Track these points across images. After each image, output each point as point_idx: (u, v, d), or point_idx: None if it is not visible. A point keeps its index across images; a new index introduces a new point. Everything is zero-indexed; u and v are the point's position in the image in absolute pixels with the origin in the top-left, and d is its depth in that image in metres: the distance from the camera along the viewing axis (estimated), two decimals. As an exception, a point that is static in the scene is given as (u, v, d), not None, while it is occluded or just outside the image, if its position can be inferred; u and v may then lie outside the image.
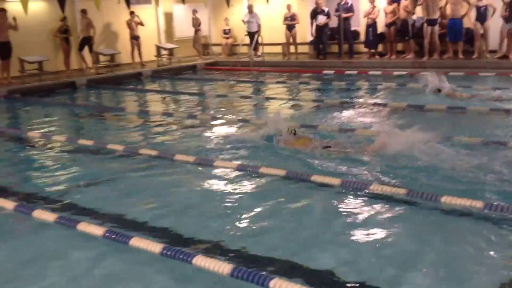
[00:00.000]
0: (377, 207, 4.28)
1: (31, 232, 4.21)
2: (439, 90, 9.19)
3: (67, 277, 3.46)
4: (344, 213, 4.23)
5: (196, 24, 17.24)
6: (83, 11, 14.47)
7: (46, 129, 8.16)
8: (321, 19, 15.29)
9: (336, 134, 6.66)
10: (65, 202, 4.80)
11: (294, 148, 5.84)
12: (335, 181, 4.77)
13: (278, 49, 17.19)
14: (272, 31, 16.93)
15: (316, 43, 16.09)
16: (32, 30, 14.07)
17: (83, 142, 7.02)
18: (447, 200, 4.16)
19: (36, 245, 3.97)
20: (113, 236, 3.82)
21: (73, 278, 3.44)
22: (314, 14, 15.45)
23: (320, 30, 15.44)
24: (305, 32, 16.84)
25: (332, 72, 13.60)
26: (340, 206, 4.38)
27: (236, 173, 5.33)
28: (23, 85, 12.43)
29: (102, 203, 4.71)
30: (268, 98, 10.57)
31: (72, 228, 4.04)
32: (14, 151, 7.23)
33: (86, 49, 14.66)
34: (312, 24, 15.64)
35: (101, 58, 15.12)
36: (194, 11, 17.19)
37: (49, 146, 7.15)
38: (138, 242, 3.69)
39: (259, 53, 16.73)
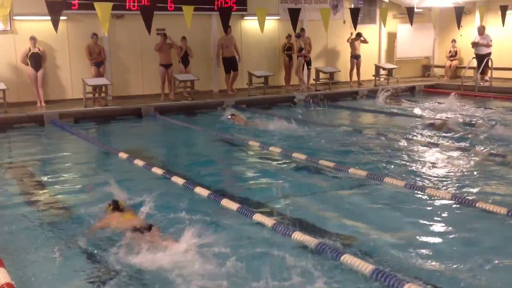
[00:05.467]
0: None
1: (250, 232, 4.48)
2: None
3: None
4: None
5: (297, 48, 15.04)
6: (302, 30, 15.06)
7: (265, 139, 8.69)
8: None
9: None
10: (278, 210, 5.10)
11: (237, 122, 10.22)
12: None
13: (510, 74, 15.63)
14: (505, 54, 15.49)
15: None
16: (262, 46, 15.29)
17: (295, 155, 7.36)
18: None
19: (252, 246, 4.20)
20: (323, 249, 3.87)
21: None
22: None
23: None
24: (545, 57, 15.02)
25: None
26: None
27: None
28: (249, 97, 13.53)
29: (310, 217, 4.88)
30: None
31: (287, 237, 4.21)
32: (237, 158, 7.97)
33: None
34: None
35: (321, 75, 15.60)
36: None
37: (266, 155, 7.68)
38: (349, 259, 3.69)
39: (486, 78, 15.45)
